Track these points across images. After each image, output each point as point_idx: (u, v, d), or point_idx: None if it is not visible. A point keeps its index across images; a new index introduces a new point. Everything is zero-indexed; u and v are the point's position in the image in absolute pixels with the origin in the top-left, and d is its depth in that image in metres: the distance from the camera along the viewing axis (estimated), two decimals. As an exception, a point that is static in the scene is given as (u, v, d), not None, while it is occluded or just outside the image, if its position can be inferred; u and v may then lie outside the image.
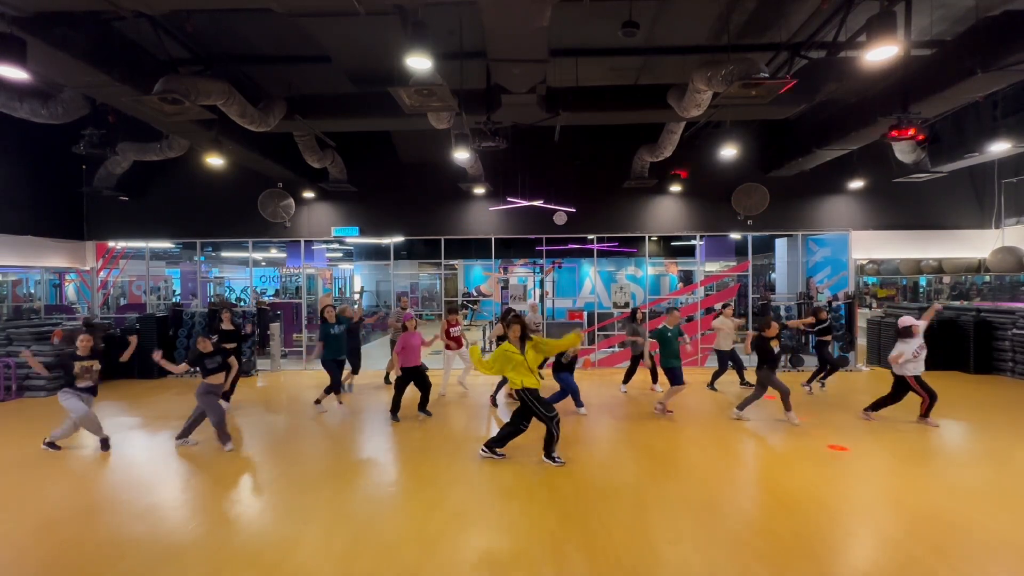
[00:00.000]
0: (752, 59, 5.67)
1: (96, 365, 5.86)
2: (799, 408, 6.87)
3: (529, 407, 5.27)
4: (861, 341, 11.23)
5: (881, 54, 5.17)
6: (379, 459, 5.69)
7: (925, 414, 6.56)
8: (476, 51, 6.58)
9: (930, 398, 6.48)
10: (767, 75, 5.53)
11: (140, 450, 6.00)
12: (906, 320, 6.47)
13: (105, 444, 5.89)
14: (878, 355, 10.83)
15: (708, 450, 5.82)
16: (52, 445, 5.88)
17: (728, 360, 8.84)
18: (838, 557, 3.64)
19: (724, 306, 9.01)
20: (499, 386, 8.06)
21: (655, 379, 8.83)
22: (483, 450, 5.52)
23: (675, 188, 11.19)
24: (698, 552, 3.66)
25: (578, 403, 7.35)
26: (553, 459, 5.30)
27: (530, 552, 3.67)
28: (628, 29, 5.86)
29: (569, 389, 7.10)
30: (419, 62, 5.35)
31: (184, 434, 6.07)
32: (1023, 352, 9.35)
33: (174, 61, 6.90)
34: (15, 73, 4.93)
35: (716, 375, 8.91)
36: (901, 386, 6.55)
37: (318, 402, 7.67)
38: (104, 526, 4.13)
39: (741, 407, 6.94)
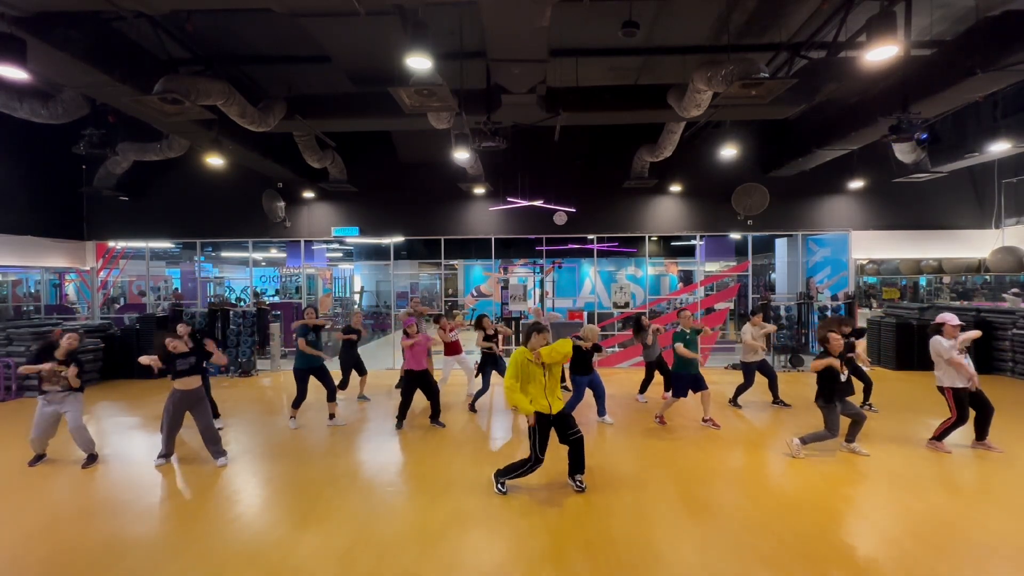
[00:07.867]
0: (752, 59, 5.67)
1: (65, 371, 5.20)
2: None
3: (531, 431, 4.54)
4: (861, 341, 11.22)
5: (881, 54, 5.17)
6: (380, 460, 5.68)
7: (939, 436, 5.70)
8: (476, 51, 6.59)
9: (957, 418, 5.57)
10: (767, 75, 5.53)
11: (140, 450, 5.99)
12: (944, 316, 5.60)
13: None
14: (878, 355, 10.82)
15: (708, 451, 5.81)
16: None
17: (756, 373, 7.51)
18: (839, 557, 3.63)
19: (753, 313, 7.73)
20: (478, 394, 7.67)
21: (668, 387, 7.92)
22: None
23: (675, 188, 11.19)
24: (698, 553, 3.66)
25: (601, 410, 6.79)
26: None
27: (530, 553, 3.68)
28: (628, 29, 5.87)
29: (594, 391, 6.62)
30: (419, 62, 5.35)
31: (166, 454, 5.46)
32: (1023, 352, 9.36)
33: (174, 61, 6.91)
34: (15, 73, 4.93)
35: (740, 389, 7.64)
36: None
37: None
38: (104, 527, 4.13)
39: (804, 440, 5.52)
